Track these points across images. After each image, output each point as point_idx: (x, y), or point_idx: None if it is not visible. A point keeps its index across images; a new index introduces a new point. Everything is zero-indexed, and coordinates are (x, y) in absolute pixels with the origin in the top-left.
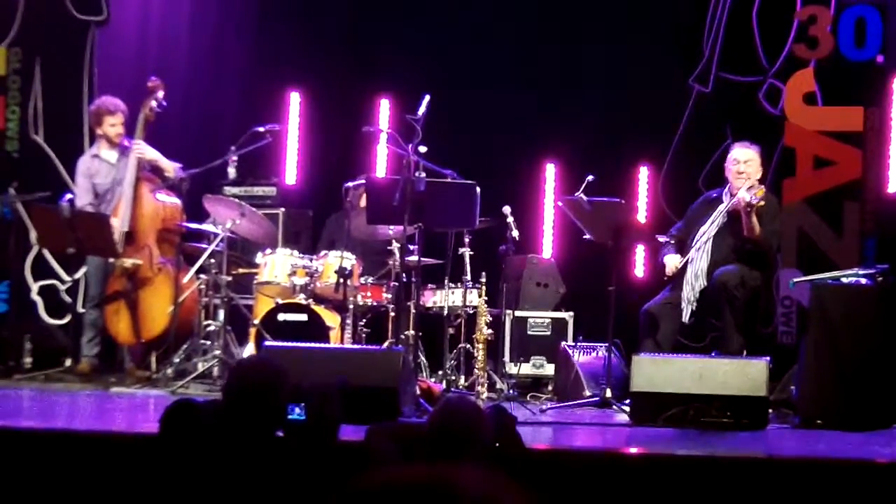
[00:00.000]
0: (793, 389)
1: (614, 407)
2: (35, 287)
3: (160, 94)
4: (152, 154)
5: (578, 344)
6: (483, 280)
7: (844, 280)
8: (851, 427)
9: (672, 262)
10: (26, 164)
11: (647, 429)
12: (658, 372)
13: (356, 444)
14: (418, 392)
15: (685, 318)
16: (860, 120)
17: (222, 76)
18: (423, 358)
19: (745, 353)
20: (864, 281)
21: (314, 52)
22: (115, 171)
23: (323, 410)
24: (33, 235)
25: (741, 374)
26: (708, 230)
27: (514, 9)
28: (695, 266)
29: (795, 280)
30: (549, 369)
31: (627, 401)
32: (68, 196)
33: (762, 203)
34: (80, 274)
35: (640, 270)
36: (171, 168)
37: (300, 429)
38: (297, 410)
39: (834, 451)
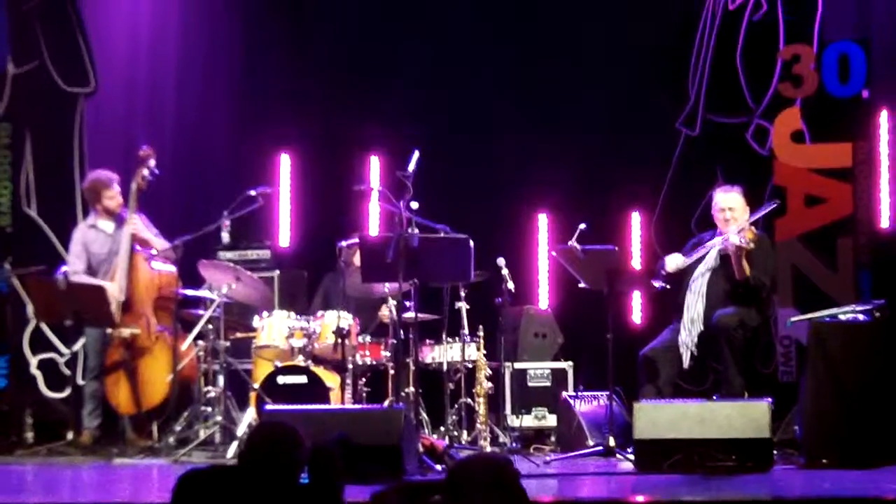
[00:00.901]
0: (796, 429)
1: (618, 455)
2: (34, 361)
3: (152, 162)
4: (146, 233)
5: (579, 393)
6: (481, 333)
7: (842, 317)
8: (857, 464)
9: (674, 260)
10: (20, 238)
11: (653, 476)
12: (660, 418)
13: None
14: (421, 449)
15: (685, 363)
16: (849, 156)
17: (211, 141)
18: (424, 414)
19: (746, 394)
20: (861, 317)
21: (302, 113)
22: (111, 241)
23: (325, 471)
24: (30, 309)
25: (743, 416)
26: (702, 274)
27: (501, 60)
28: (691, 311)
29: (793, 319)
30: (552, 420)
31: (631, 448)
32: (64, 268)
33: (752, 247)
34: (78, 346)
35: (637, 316)
36: (161, 247)
37: (304, 490)
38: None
39: (841, 489)
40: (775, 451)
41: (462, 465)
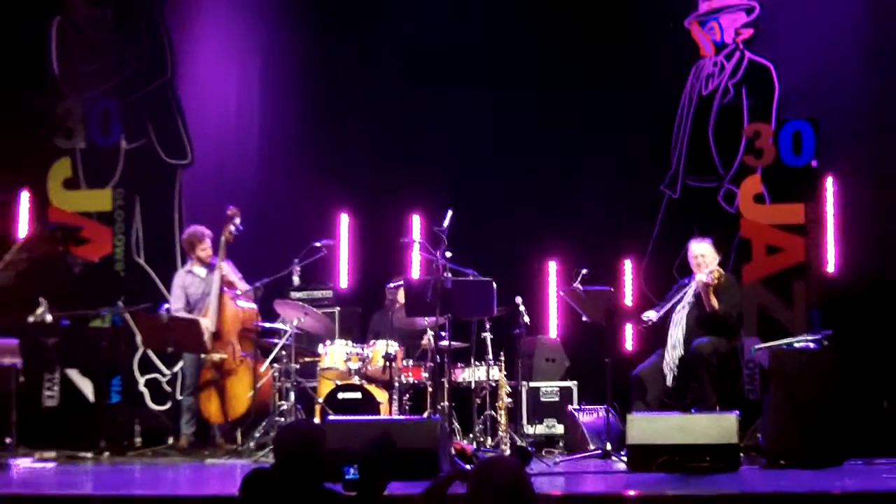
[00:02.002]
0: (759, 436)
1: (614, 458)
2: (142, 380)
3: (237, 220)
4: (232, 277)
5: (582, 407)
6: (502, 358)
7: (797, 345)
8: (809, 465)
9: (648, 314)
10: (131, 281)
11: (642, 475)
12: (649, 427)
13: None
14: (454, 452)
15: (669, 382)
16: (802, 214)
17: (286, 203)
18: (456, 424)
19: (718, 408)
20: (812, 345)
21: (357, 180)
22: (204, 284)
23: (372, 470)
24: (139, 339)
25: (716, 426)
26: (681, 309)
27: (521, 137)
28: (672, 338)
29: (757, 347)
30: (560, 429)
31: (624, 452)
32: (166, 306)
33: (716, 282)
34: (177, 368)
35: (629, 344)
36: (244, 289)
37: (355, 485)
38: (352, 471)
39: (796, 486)
40: (742, 455)
41: (483, 466)
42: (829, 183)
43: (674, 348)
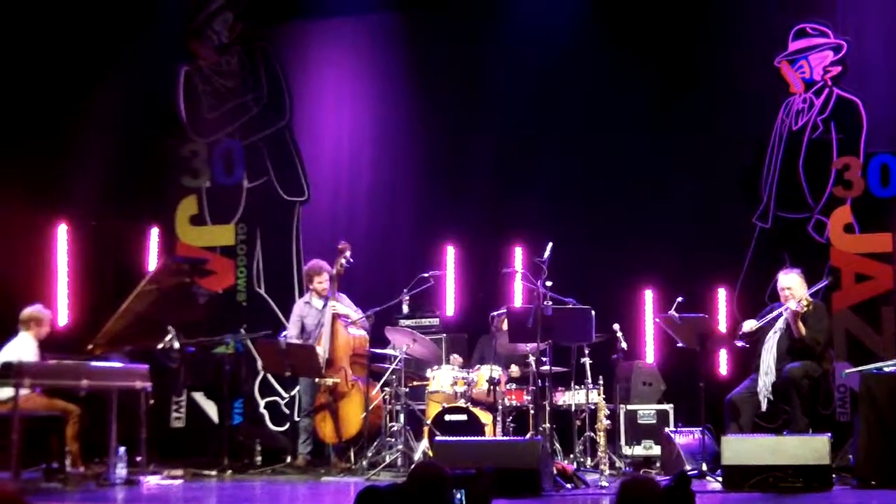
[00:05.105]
0: (851, 458)
1: (709, 478)
2: (262, 402)
3: (348, 253)
4: (343, 309)
5: (678, 429)
6: (601, 382)
7: (886, 369)
8: None
9: (749, 324)
10: (252, 310)
11: (737, 494)
12: (743, 448)
13: None
14: (555, 471)
15: (763, 407)
16: (889, 243)
17: (395, 236)
18: (557, 444)
19: (810, 430)
20: None
21: (463, 215)
22: (320, 315)
23: (477, 490)
24: (259, 364)
25: (808, 448)
26: (772, 335)
27: (620, 175)
28: (765, 364)
29: (847, 371)
30: (656, 450)
31: (719, 472)
32: (284, 333)
33: (804, 310)
34: (294, 391)
35: (723, 369)
36: (356, 318)
37: None
38: (459, 496)
39: None
40: (834, 476)
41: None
42: None
43: (766, 374)
